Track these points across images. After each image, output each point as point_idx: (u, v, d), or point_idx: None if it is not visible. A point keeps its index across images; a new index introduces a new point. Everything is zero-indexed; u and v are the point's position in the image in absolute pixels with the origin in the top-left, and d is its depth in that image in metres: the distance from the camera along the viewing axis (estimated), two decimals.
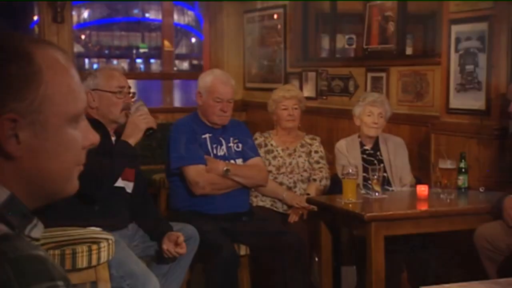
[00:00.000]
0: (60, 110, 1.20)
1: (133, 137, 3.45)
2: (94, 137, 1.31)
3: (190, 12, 10.77)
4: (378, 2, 5.75)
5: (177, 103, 7.07)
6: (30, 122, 1.16)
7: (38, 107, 1.17)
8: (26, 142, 1.15)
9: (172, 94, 7.33)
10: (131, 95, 3.63)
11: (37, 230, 1.19)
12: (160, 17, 10.52)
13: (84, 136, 1.27)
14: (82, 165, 1.30)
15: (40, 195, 1.22)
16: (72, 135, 1.23)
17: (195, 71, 7.11)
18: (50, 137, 1.19)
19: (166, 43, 7.25)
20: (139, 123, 3.46)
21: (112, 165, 3.37)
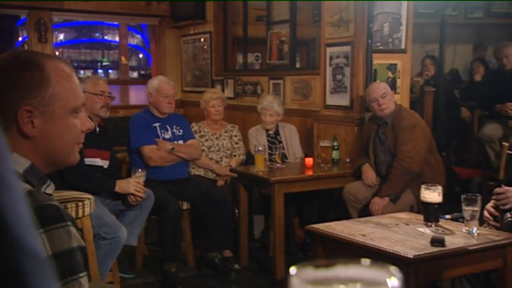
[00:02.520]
0: (64, 104, 1.25)
1: (119, 188, 3.46)
2: (90, 124, 1.36)
3: (138, 36, 10.73)
4: (276, 30, 5.83)
5: (131, 101, 7.06)
6: (42, 112, 1.21)
7: (48, 102, 1.22)
8: (39, 126, 1.20)
9: (128, 95, 7.24)
10: (110, 97, 3.64)
11: (50, 188, 1.24)
12: (116, 38, 10.47)
13: (83, 123, 1.32)
14: (81, 143, 1.35)
15: (51, 164, 1.26)
16: (73, 122, 1.27)
17: (143, 79, 7.13)
18: (57, 123, 1.24)
19: (123, 58, 7.21)
20: (130, 187, 3.47)
21: (97, 182, 3.43)
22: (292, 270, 0.56)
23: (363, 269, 0.57)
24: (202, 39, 6.53)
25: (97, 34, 13.94)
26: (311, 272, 0.56)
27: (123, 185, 3.48)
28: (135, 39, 12.50)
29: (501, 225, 2.75)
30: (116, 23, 6.88)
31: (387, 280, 0.55)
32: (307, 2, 5.61)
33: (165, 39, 6.85)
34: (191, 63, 6.73)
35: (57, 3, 5.96)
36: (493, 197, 2.82)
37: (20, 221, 0.38)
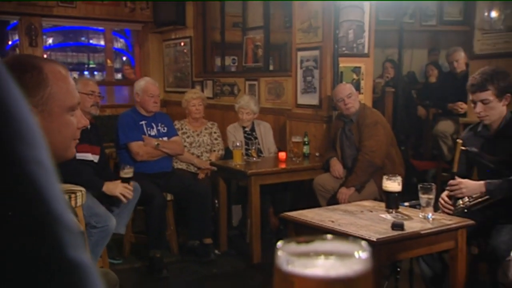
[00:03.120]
0: (61, 103, 1.26)
1: (107, 189, 3.41)
2: (85, 121, 1.37)
3: (121, 40, 10.55)
4: (251, 36, 5.82)
5: (117, 101, 6.98)
6: (41, 110, 1.21)
7: (46, 101, 1.23)
8: (38, 123, 1.22)
9: (113, 95, 7.12)
10: (100, 96, 3.64)
11: None
12: (101, 42, 10.32)
13: (78, 120, 1.33)
14: (77, 139, 1.37)
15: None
16: (70, 120, 1.28)
17: (127, 80, 7.08)
18: (55, 121, 1.24)
19: (108, 61, 7.03)
20: (117, 190, 3.42)
21: (86, 180, 3.31)
22: (279, 244, 0.59)
23: (338, 244, 0.60)
24: (182, 43, 6.48)
25: (83, 38, 13.77)
26: (294, 246, 0.59)
27: (111, 187, 3.43)
28: (119, 43, 12.40)
29: (454, 211, 2.81)
30: (102, 28, 6.78)
31: (357, 252, 0.57)
32: (279, 10, 5.63)
33: (148, 43, 6.78)
34: (172, 65, 6.67)
35: (47, 9, 5.86)
36: (447, 187, 2.86)
37: (57, 198, 0.39)
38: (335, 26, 4.40)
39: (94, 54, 13.77)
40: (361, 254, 0.57)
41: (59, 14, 6.03)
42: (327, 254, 0.58)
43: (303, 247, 0.60)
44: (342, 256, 0.57)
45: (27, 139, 0.39)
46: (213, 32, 6.35)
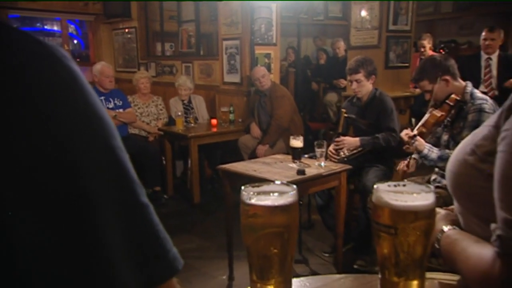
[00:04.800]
0: None
1: None
2: None
3: (72, 26, 9.80)
4: (185, 27, 5.69)
5: None
6: None
7: None
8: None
9: None
10: None
11: None
12: (54, 28, 9.52)
13: None
14: None
15: None
16: None
17: (82, 61, 6.66)
18: None
19: (65, 46, 6.49)
20: None
21: None
22: (242, 188, 0.69)
23: (278, 186, 0.72)
24: (128, 32, 6.17)
25: (38, 24, 12.74)
26: (250, 188, 0.70)
27: None
28: (70, 28, 11.69)
29: (338, 160, 2.88)
30: (59, 17, 6.34)
31: (290, 190, 0.69)
32: (207, 7, 5.55)
33: (100, 32, 6.38)
34: (121, 50, 6.36)
35: (13, 3, 5.39)
36: (334, 142, 2.94)
37: (131, 169, 0.41)
38: (251, 21, 4.41)
39: (49, 38, 12.78)
40: (292, 191, 0.70)
41: (23, 7, 5.54)
42: (272, 192, 0.70)
43: (257, 189, 0.71)
44: (281, 193, 0.69)
45: (111, 132, 0.41)
46: (153, 23, 6.10)
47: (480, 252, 0.65)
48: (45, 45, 0.37)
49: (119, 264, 0.36)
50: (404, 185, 0.68)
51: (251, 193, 0.69)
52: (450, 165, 0.78)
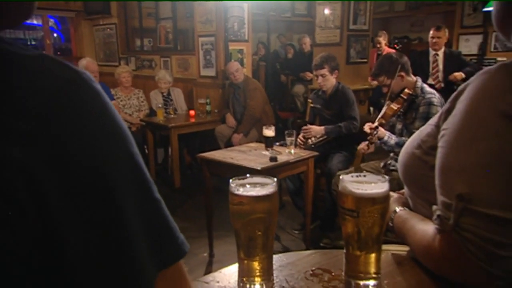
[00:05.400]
0: None
1: None
2: None
3: (52, 20, 9.32)
4: (163, 24, 5.57)
5: None
6: None
7: None
8: None
9: None
10: None
11: None
12: (34, 22, 9.08)
13: None
14: None
15: None
16: None
17: (63, 55, 6.40)
18: None
19: (47, 40, 6.22)
20: None
21: None
22: (230, 180, 0.73)
23: (261, 178, 0.75)
24: (108, 28, 5.99)
25: None
26: (237, 180, 0.74)
27: None
28: (50, 22, 11.24)
29: (306, 147, 2.91)
30: (41, 14, 6.10)
31: (271, 182, 0.73)
32: (183, 5, 5.47)
33: (81, 27, 6.15)
34: (102, 45, 6.17)
35: None
36: (302, 131, 2.96)
37: (145, 169, 0.42)
38: (225, 19, 4.38)
39: (29, 31, 12.24)
40: (272, 183, 0.74)
41: None
42: (256, 183, 0.74)
43: (243, 181, 0.75)
44: (263, 184, 0.74)
45: (130, 140, 0.41)
46: (132, 20, 5.94)
47: (424, 228, 0.72)
48: (75, 71, 0.39)
49: (139, 249, 0.40)
50: (364, 176, 0.75)
51: (239, 184, 0.74)
52: (401, 157, 0.84)
